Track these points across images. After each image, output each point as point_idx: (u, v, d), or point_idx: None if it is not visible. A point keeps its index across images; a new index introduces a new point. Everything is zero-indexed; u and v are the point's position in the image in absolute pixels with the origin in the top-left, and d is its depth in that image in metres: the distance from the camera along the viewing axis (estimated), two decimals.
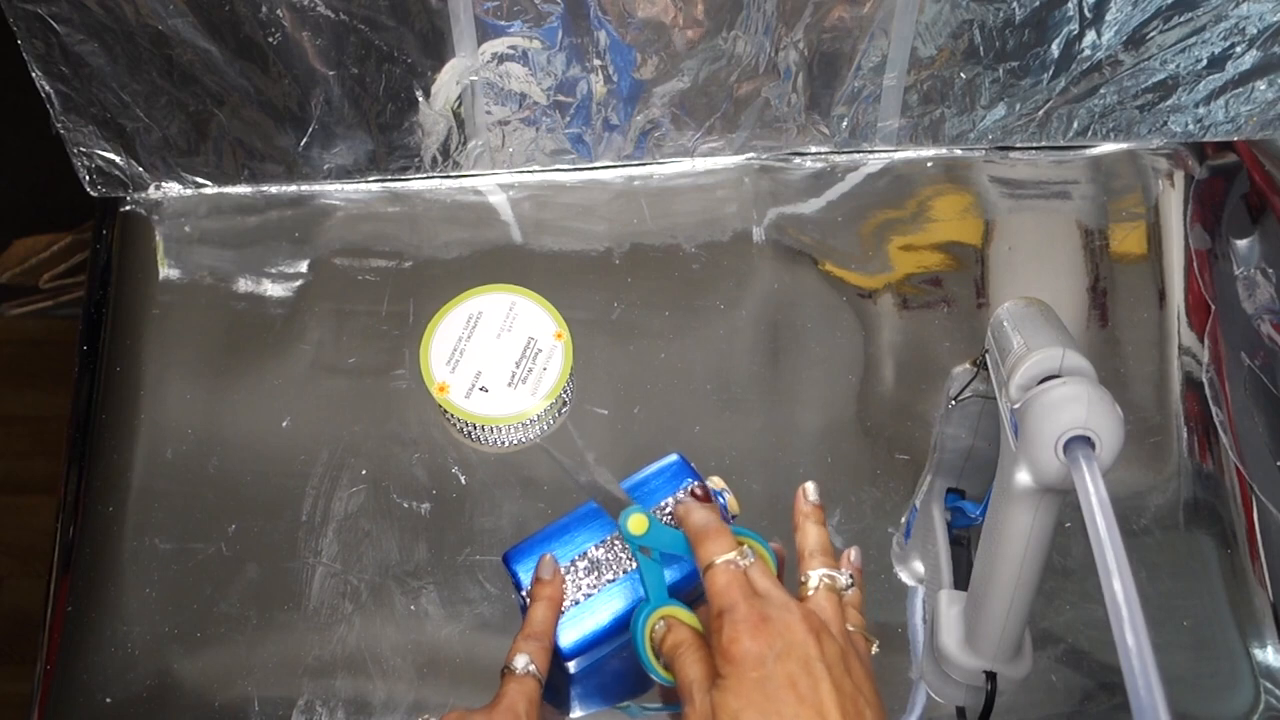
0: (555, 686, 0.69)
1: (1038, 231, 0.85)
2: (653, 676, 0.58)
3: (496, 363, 0.76)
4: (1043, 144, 0.87)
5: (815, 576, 0.58)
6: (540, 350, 0.76)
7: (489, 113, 0.82)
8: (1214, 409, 0.78)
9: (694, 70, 0.80)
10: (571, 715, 0.69)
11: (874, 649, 0.57)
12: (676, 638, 0.57)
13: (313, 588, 0.72)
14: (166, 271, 0.83)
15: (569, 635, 0.63)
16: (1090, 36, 0.78)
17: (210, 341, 0.80)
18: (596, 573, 0.64)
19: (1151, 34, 0.78)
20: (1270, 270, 0.82)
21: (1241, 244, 0.84)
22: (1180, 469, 0.77)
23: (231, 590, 0.72)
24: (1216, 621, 0.72)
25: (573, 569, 0.64)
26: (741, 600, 0.54)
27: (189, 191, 0.85)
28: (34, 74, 0.76)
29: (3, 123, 1.22)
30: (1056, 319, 0.63)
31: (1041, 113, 0.84)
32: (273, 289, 0.82)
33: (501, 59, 0.78)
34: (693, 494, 0.63)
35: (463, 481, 0.76)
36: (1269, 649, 0.72)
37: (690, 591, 0.62)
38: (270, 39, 0.75)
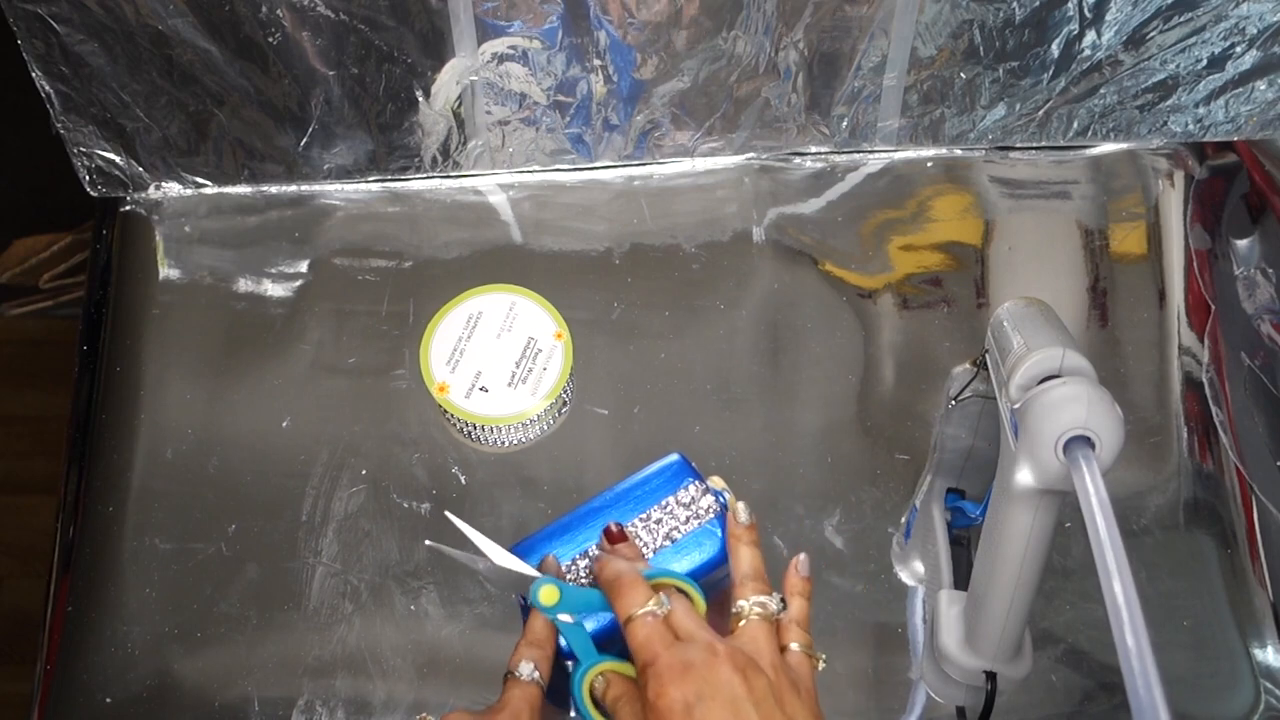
0: (555, 686, 0.69)
1: (1038, 231, 0.85)
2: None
3: (496, 363, 0.76)
4: (1043, 144, 0.87)
5: (746, 605, 0.56)
6: (540, 350, 0.76)
7: (489, 113, 0.82)
8: (1214, 409, 0.78)
9: (694, 70, 0.80)
10: (571, 715, 0.69)
11: (820, 665, 0.55)
12: (616, 691, 0.56)
13: (313, 588, 0.72)
14: (166, 271, 0.83)
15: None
16: (1090, 36, 0.78)
17: (210, 341, 0.80)
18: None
19: (1151, 34, 0.78)
20: (1270, 270, 0.82)
21: (1241, 244, 0.84)
22: (1180, 469, 0.77)
23: (231, 590, 0.72)
24: (1216, 621, 0.72)
25: (573, 568, 0.64)
26: (662, 651, 0.53)
27: (189, 191, 0.85)
28: (34, 74, 0.76)
29: (3, 123, 1.22)
30: (1056, 319, 0.63)
31: (1041, 113, 0.84)
32: (273, 289, 0.82)
33: (501, 59, 0.78)
34: (607, 532, 0.62)
35: (463, 481, 0.76)
36: (1269, 649, 0.72)
37: (619, 641, 0.62)
38: (270, 39, 0.75)
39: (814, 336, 0.81)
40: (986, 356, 0.66)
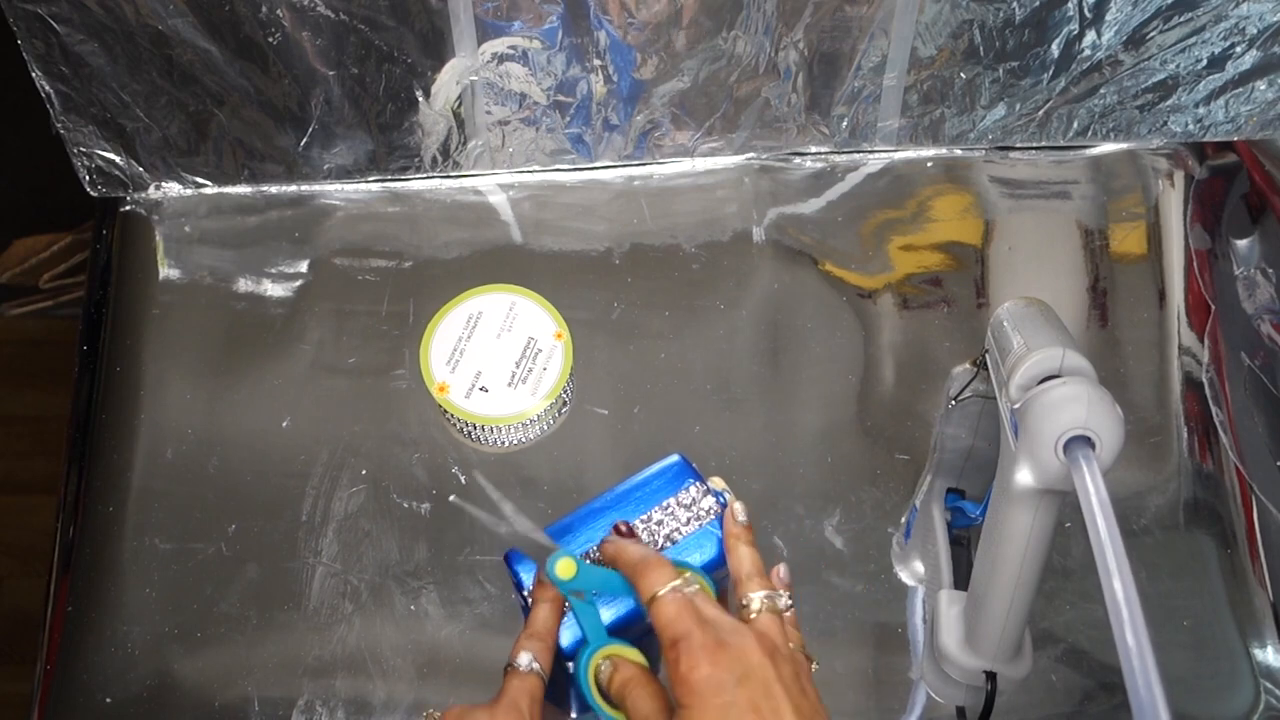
0: (556, 684, 0.69)
1: (1038, 231, 0.85)
2: (602, 718, 0.57)
3: (496, 363, 0.76)
4: (1043, 144, 0.87)
5: (757, 599, 0.56)
6: (540, 350, 0.76)
7: (489, 113, 0.82)
8: (1214, 409, 0.78)
9: (694, 70, 0.80)
10: (572, 715, 0.69)
11: (814, 667, 0.56)
12: (624, 675, 0.56)
13: (313, 588, 0.72)
14: (166, 271, 0.83)
15: (569, 635, 0.63)
16: (1090, 36, 0.78)
17: (210, 341, 0.80)
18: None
19: (1151, 34, 0.78)
20: (1270, 270, 0.82)
21: (1241, 244, 0.84)
22: (1180, 469, 0.77)
23: (231, 590, 0.72)
24: (1216, 621, 0.72)
25: None
26: (695, 627, 0.53)
27: (189, 191, 0.85)
28: (34, 74, 0.76)
29: (3, 123, 1.22)
30: (1056, 319, 0.63)
31: (1041, 113, 0.84)
32: (273, 289, 0.82)
33: (501, 59, 0.78)
34: (616, 530, 0.62)
35: (463, 481, 0.76)
36: (1269, 649, 0.72)
37: (629, 631, 0.62)
38: (270, 39, 0.75)
39: (814, 336, 0.81)
40: (986, 356, 0.66)
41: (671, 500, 0.66)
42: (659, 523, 0.66)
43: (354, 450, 0.76)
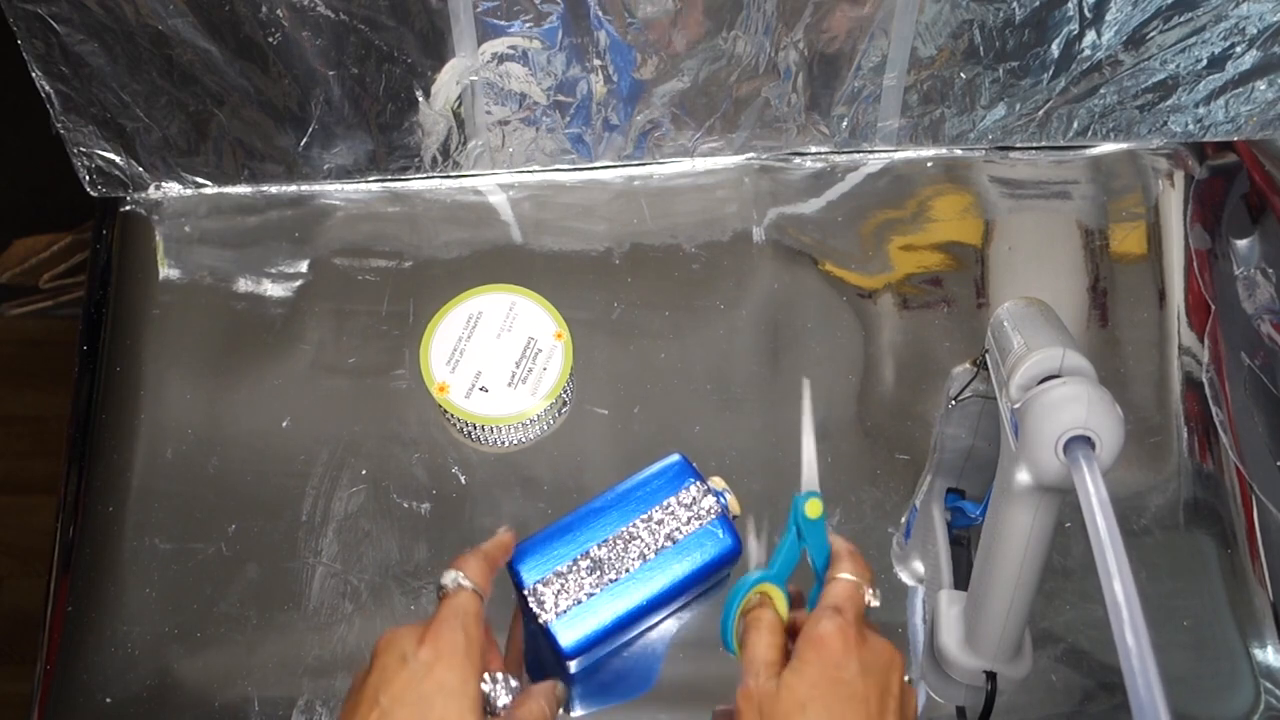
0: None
1: (1038, 231, 0.85)
2: (725, 640, 0.58)
3: (496, 363, 0.76)
4: (1043, 144, 0.87)
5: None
6: (540, 350, 0.76)
7: (489, 113, 0.82)
8: (1214, 409, 0.78)
9: (694, 70, 0.80)
10: (572, 715, 0.69)
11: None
12: (760, 612, 0.57)
13: (313, 588, 0.72)
14: (166, 271, 0.83)
15: (570, 635, 0.63)
16: (1090, 36, 0.78)
17: (210, 341, 0.80)
18: (599, 572, 0.64)
19: (1151, 34, 0.78)
20: (1270, 270, 0.82)
21: (1241, 244, 0.84)
22: (1180, 469, 0.77)
23: (231, 590, 0.72)
24: (1216, 621, 0.72)
25: (575, 568, 0.64)
26: (853, 613, 0.55)
27: (189, 191, 0.85)
28: (34, 74, 0.76)
29: (3, 123, 1.22)
30: (1056, 319, 0.63)
31: (1041, 113, 0.84)
32: (273, 289, 0.82)
33: (501, 59, 0.78)
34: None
35: (463, 481, 0.76)
36: (1269, 649, 0.72)
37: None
38: (270, 39, 0.75)
39: (814, 336, 0.81)
40: (986, 356, 0.66)
41: (672, 500, 0.66)
42: (659, 522, 0.66)
43: (354, 450, 0.76)
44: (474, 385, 0.75)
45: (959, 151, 0.87)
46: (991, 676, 0.63)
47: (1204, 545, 0.75)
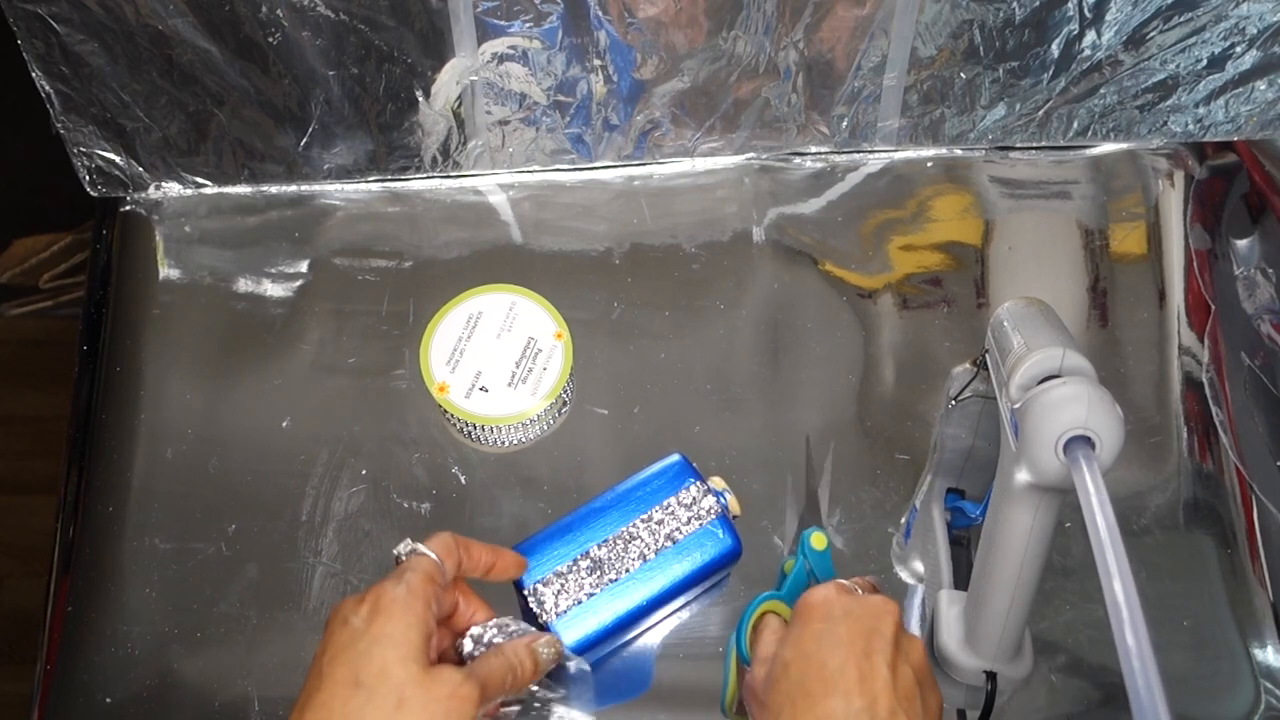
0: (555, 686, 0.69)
1: (1038, 231, 0.85)
2: (740, 652, 0.60)
3: (496, 363, 0.76)
4: (1043, 144, 0.87)
5: None
6: (540, 350, 0.76)
7: (489, 113, 0.82)
8: (1214, 409, 0.78)
9: (694, 70, 0.80)
10: (571, 715, 0.69)
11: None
12: (768, 618, 0.60)
13: (313, 588, 0.72)
14: (166, 271, 0.83)
15: (570, 635, 0.63)
16: (1090, 36, 0.78)
17: (210, 341, 0.80)
18: (599, 572, 0.64)
19: (1151, 34, 0.78)
20: (1270, 270, 0.82)
21: (1241, 244, 0.84)
22: (1180, 469, 0.77)
23: (231, 590, 0.72)
24: (1216, 621, 0.72)
25: (575, 568, 0.64)
26: (841, 586, 0.57)
27: (189, 191, 0.85)
28: (34, 74, 0.76)
29: (3, 123, 1.22)
30: (1056, 319, 0.63)
31: (1041, 113, 0.84)
32: (273, 289, 0.82)
33: (501, 59, 0.78)
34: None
35: (463, 481, 0.76)
36: (1269, 649, 0.72)
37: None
38: (270, 39, 0.75)
39: (814, 336, 0.81)
40: (986, 356, 0.66)
41: (672, 500, 0.66)
42: (659, 522, 0.66)
43: (354, 450, 0.76)
44: (474, 385, 0.75)
45: (959, 151, 0.87)
46: (991, 676, 0.63)
47: (1204, 545, 0.75)
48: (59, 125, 0.80)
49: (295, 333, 0.80)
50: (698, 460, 0.69)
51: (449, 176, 0.86)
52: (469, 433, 0.76)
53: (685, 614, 0.71)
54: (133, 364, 0.79)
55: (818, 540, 0.64)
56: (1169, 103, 0.83)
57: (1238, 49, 0.79)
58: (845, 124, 0.85)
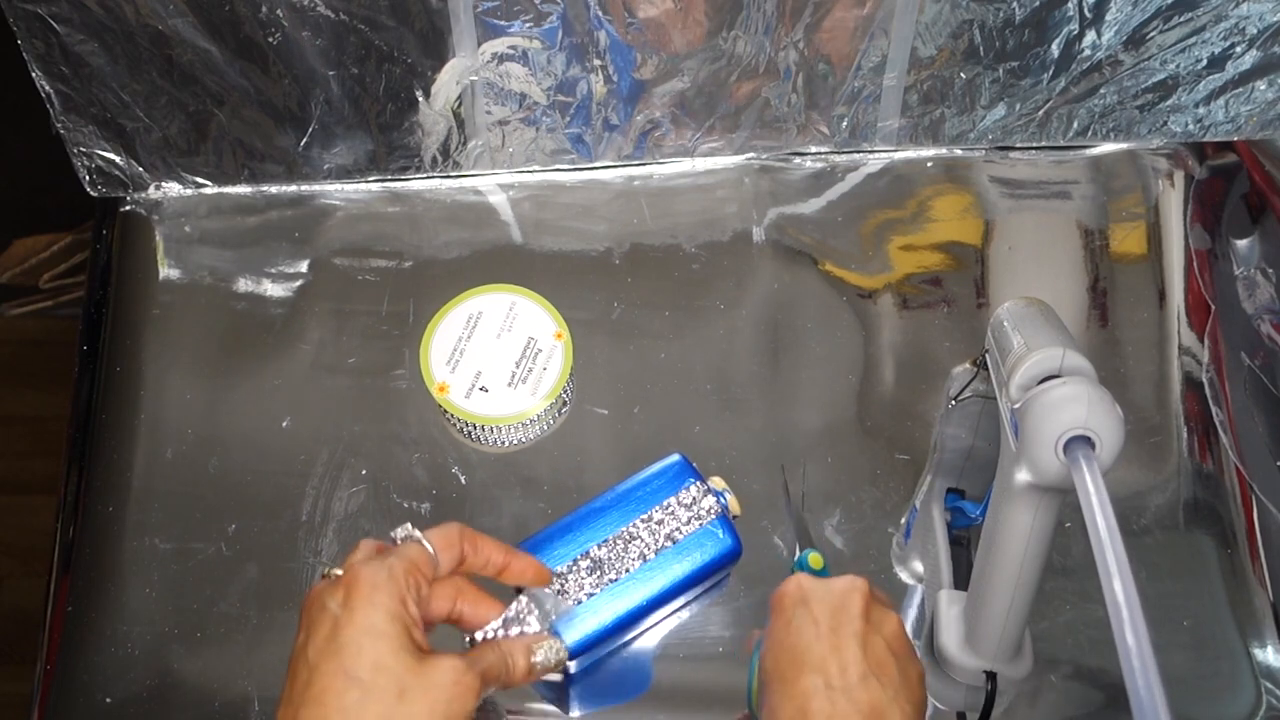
0: (555, 686, 0.69)
1: (1038, 231, 0.85)
2: (749, 685, 0.61)
3: (496, 363, 0.76)
4: (1043, 144, 0.87)
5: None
6: (540, 350, 0.76)
7: (489, 113, 0.82)
8: (1214, 409, 0.78)
9: (694, 70, 0.80)
10: (572, 715, 0.69)
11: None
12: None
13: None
14: (166, 271, 0.83)
15: (570, 635, 0.63)
16: (1090, 36, 0.78)
17: (210, 341, 0.80)
18: (599, 572, 0.64)
19: (1151, 34, 0.78)
20: (1270, 270, 0.82)
21: (1241, 244, 0.84)
22: (1180, 469, 0.77)
23: (231, 590, 0.72)
24: (1216, 621, 0.72)
25: (575, 568, 0.64)
26: (808, 576, 0.58)
27: (189, 191, 0.85)
28: (34, 74, 0.76)
29: (3, 123, 1.22)
30: (1056, 319, 0.63)
31: (1041, 113, 0.84)
32: (273, 289, 0.82)
33: (501, 59, 0.78)
34: None
35: (463, 481, 0.76)
36: (1269, 649, 0.72)
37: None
38: (270, 39, 0.74)
39: (814, 336, 0.81)
40: (986, 356, 0.66)
41: (672, 500, 0.66)
42: (659, 522, 0.66)
43: (354, 450, 0.76)
44: (474, 385, 0.75)
45: (959, 151, 0.87)
46: (991, 676, 0.63)
47: (1204, 545, 0.75)
48: (59, 125, 0.80)
49: (295, 333, 0.80)
50: (698, 460, 0.69)
51: (449, 176, 0.86)
52: (469, 433, 0.76)
53: (685, 614, 0.71)
54: (133, 364, 0.79)
55: (815, 560, 0.68)
56: (1169, 103, 0.83)
57: (1238, 49, 0.79)
58: (845, 124, 0.85)
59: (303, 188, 0.85)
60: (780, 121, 0.84)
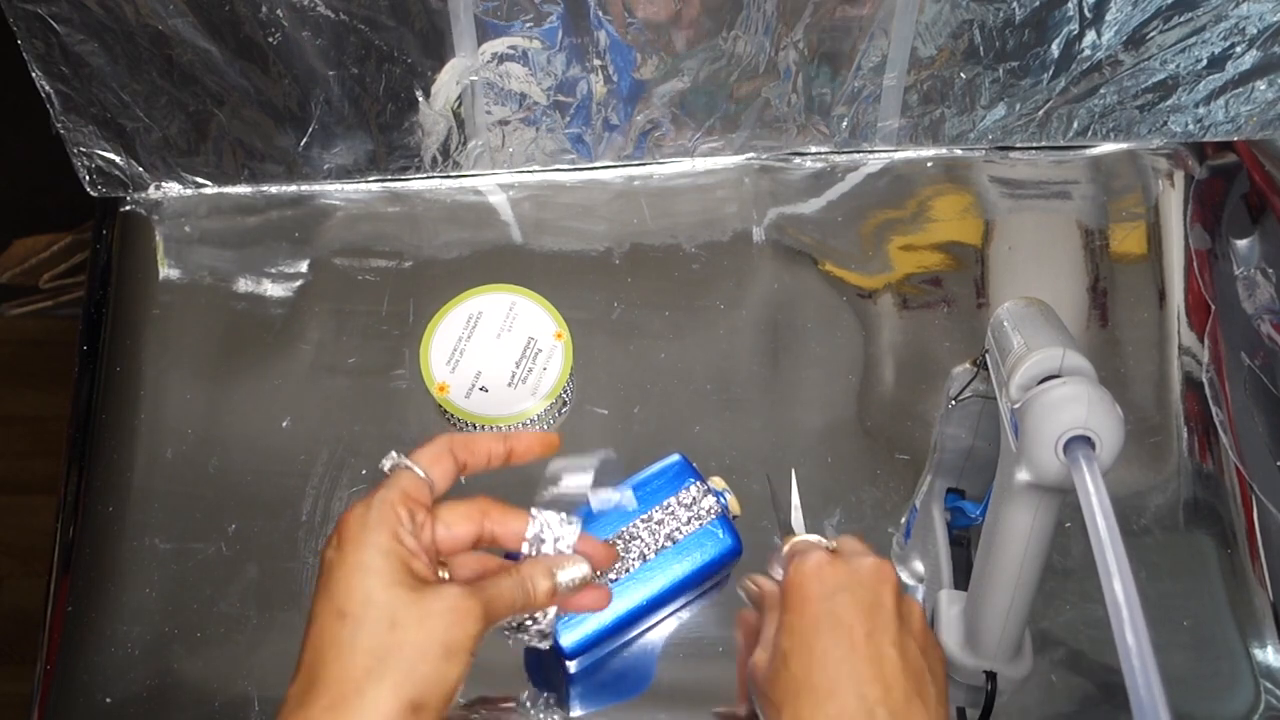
0: (555, 686, 0.69)
1: (1038, 231, 0.85)
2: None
3: (496, 363, 0.76)
4: (1043, 144, 0.87)
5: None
6: (540, 350, 0.76)
7: (489, 113, 0.82)
8: (1214, 409, 0.78)
9: (694, 70, 0.80)
10: (571, 715, 0.69)
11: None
12: (805, 550, 0.57)
13: (313, 588, 0.72)
14: (166, 271, 0.83)
15: (570, 635, 0.63)
16: (1090, 36, 0.78)
17: (210, 341, 0.80)
18: (599, 572, 0.64)
19: (1151, 34, 0.78)
20: (1270, 270, 0.82)
21: (1241, 244, 0.84)
22: (1180, 469, 0.77)
23: (231, 590, 0.72)
24: (1216, 621, 0.72)
25: None
26: (819, 550, 0.55)
27: (189, 191, 0.85)
28: (34, 74, 0.76)
29: (3, 123, 1.22)
30: (1056, 319, 0.63)
31: (1041, 113, 0.84)
32: (273, 289, 0.82)
33: (501, 59, 0.78)
34: None
35: (462, 481, 0.76)
36: (1269, 649, 0.72)
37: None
38: (270, 39, 0.74)
39: (814, 336, 0.81)
40: (986, 356, 0.66)
41: (672, 500, 0.66)
42: (659, 522, 0.66)
43: (354, 450, 0.76)
44: (474, 385, 0.75)
45: (959, 151, 0.87)
46: (991, 676, 0.63)
47: (1204, 545, 0.75)
48: (59, 125, 0.80)
49: (295, 333, 0.80)
50: (698, 460, 0.69)
51: (449, 176, 0.86)
52: (469, 433, 0.76)
53: (685, 614, 0.71)
54: (133, 364, 0.79)
55: None
56: (1169, 103, 0.83)
57: (1238, 49, 0.79)
58: (845, 124, 0.85)
59: (303, 188, 0.85)
60: (780, 121, 0.84)
